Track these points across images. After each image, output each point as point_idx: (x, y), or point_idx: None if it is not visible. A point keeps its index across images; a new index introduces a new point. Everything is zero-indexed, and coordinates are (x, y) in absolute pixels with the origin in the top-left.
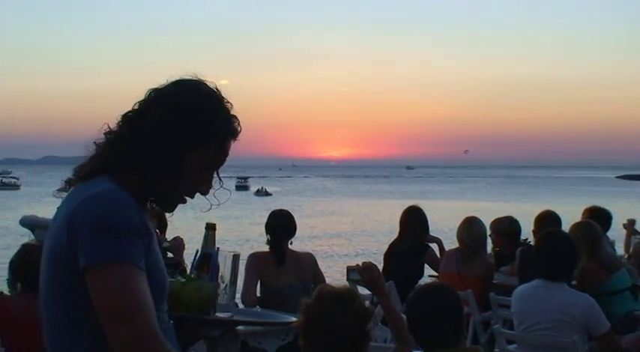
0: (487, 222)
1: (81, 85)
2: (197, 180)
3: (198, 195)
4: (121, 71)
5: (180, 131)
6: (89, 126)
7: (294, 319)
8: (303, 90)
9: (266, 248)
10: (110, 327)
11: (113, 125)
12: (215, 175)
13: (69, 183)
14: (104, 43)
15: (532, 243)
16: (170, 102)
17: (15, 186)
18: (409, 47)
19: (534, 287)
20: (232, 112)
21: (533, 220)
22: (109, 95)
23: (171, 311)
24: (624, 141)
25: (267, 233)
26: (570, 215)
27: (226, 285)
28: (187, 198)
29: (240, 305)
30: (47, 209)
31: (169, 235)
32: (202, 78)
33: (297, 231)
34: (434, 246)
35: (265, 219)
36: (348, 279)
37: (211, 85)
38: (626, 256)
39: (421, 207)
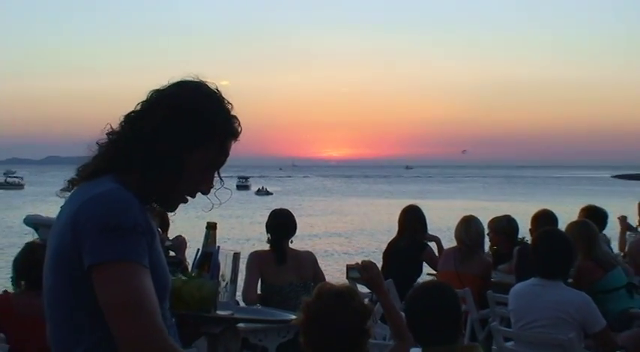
0: (485, 221)
1: (84, 85)
2: (198, 180)
3: (199, 194)
4: (121, 71)
5: (181, 131)
6: (91, 126)
7: (294, 317)
8: (303, 90)
9: (267, 246)
10: (116, 325)
11: (115, 125)
12: (216, 175)
13: (72, 182)
14: (105, 43)
15: (529, 242)
16: (172, 104)
17: (19, 186)
18: (409, 48)
19: (531, 285)
20: (233, 113)
21: (530, 219)
22: (111, 96)
23: (172, 309)
24: (624, 142)
25: (267, 232)
26: (567, 214)
27: (227, 283)
28: (189, 197)
29: (242, 303)
30: (51, 208)
31: (171, 234)
32: (203, 79)
33: (298, 230)
34: (432, 245)
35: (266, 218)
36: (347, 277)
37: (212, 86)
38: (622, 254)
39: (420, 207)
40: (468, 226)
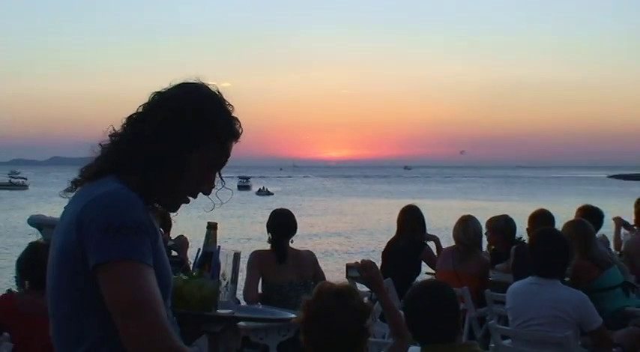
0: (483, 220)
1: (85, 86)
2: (199, 181)
3: (201, 194)
4: (122, 73)
5: (182, 132)
6: (94, 127)
7: (294, 315)
8: (303, 91)
9: (267, 246)
10: (121, 323)
11: (117, 127)
12: (217, 175)
13: (75, 183)
14: (106, 44)
15: (526, 241)
16: (173, 106)
17: (23, 186)
18: (409, 49)
19: (528, 284)
20: (234, 114)
21: (527, 219)
22: (112, 97)
23: (173, 307)
24: (620, 142)
25: (268, 231)
26: (564, 214)
27: (227, 283)
28: (190, 197)
29: (242, 302)
30: (54, 208)
31: (173, 234)
32: (204, 81)
33: (298, 230)
34: (431, 244)
35: (266, 218)
36: (347, 276)
37: (213, 88)
38: (618, 253)
39: (418, 206)
40: (466, 226)
